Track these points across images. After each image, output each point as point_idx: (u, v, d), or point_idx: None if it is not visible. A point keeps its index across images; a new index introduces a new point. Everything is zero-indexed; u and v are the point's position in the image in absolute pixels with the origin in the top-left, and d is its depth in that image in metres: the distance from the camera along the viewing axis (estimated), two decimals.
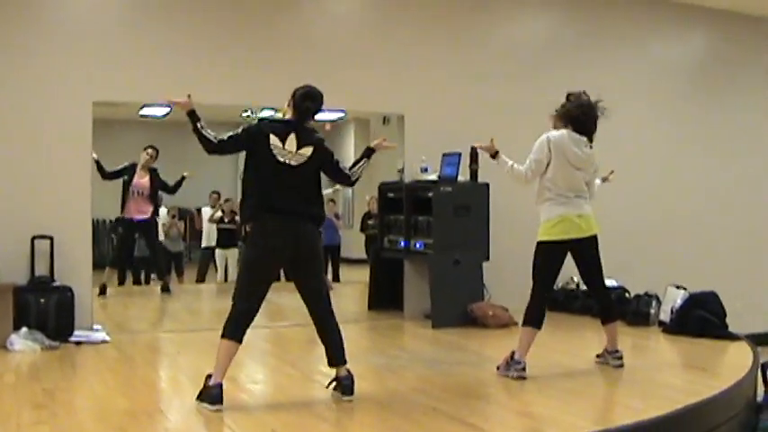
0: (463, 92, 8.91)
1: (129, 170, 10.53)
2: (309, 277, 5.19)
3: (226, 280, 13.12)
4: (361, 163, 5.41)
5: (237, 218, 13.42)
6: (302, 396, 5.41)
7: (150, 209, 10.68)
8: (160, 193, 12.00)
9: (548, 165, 5.83)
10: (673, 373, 6.13)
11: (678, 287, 7.65)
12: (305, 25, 8.63)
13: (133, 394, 5.41)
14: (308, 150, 5.09)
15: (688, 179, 10.25)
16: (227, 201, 13.80)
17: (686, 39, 10.57)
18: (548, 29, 9.78)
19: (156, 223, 11.18)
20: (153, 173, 10.68)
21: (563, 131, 5.87)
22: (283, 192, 5.01)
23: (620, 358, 6.08)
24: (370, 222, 13.18)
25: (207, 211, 13.88)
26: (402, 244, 8.66)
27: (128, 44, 7.77)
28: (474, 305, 8.05)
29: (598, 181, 6.36)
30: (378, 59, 8.70)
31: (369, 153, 5.48)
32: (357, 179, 5.41)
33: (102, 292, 10.53)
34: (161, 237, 13.60)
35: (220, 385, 4.86)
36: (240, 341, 4.96)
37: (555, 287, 8.68)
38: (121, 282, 12.22)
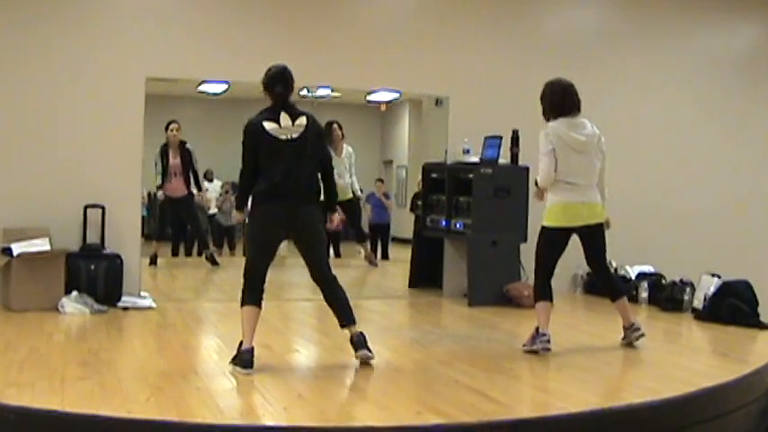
0: (507, 77, 9.02)
1: (163, 153, 10.82)
2: (314, 247, 5.43)
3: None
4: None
5: None
6: (331, 364, 5.63)
7: (184, 186, 10.95)
8: (212, 168, 12.35)
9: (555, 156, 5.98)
10: (695, 358, 6.21)
11: (713, 275, 7.69)
12: (359, 6, 8.85)
13: (171, 357, 5.71)
14: (302, 120, 5.31)
15: (730, 169, 10.20)
16: None
17: (734, 28, 10.47)
18: (594, 17, 9.80)
19: (192, 197, 11.35)
20: (183, 149, 10.89)
21: (555, 123, 6.02)
22: (288, 168, 5.23)
23: (639, 329, 6.20)
24: (418, 203, 13.35)
25: None
26: (443, 224, 8.83)
27: (181, 22, 8.06)
28: (510, 285, 8.20)
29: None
30: (426, 42, 8.85)
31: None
32: (332, 170, 5.60)
33: (153, 262, 10.93)
34: (213, 210, 14.00)
35: (251, 350, 5.15)
36: (259, 305, 5.32)
37: None
38: (175, 253, 12.58)
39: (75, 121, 7.64)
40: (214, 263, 11.20)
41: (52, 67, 7.60)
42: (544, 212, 6.12)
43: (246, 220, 5.64)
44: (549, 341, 5.92)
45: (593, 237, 6.13)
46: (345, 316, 5.41)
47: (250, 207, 5.45)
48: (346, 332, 5.42)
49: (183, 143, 10.92)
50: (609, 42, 9.64)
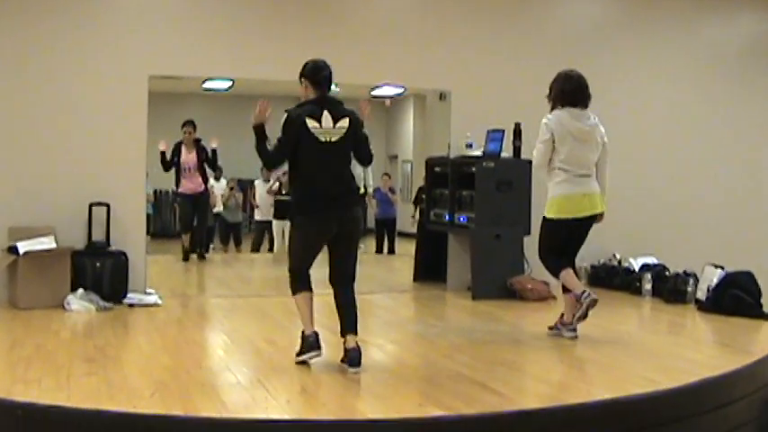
0: (510, 71, 9.03)
1: (176, 150, 11.00)
2: (348, 253, 5.33)
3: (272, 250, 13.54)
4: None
5: None
6: (335, 359, 5.59)
7: (201, 181, 11.14)
8: (219, 164, 12.38)
9: (554, 145, 6.01)
10: (697, 349, 6.23)
11: (716, 266, 7.70)
12: (362, 2, 8.87)
13: (176, 352, 5.76)
14: (344, 122, 5.18)
15: (734, 160, 10.19)
16: (285, 173, 14.04)
17: (736, 19, 10.44)
18: (597, 9, 9.79)
19: (208, 195, 11.60)
20: (198, 145, 11.08)
21: (559, 111, 6.08)
22: (327, 174, 5.14)
23: (575, 330, 6.22)
24: (423, 197, 13.38)
25: (259, 184, 13.97)
26: (447, 217, 8.86)
27: (184, 19, 8.10)
28: (514, 278, 8.23)
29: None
30: (428, 37, 8.86)
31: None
32: (373, 156, 5.48)
33: (186, 257, 11.26)
34: (219, 208, 14.04)
35: (315, 334, 5.18)
36: (311, 290, 5.28)
37: (596, 263, 8.97)
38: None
39: (79, 119, 7.68)
40: (202, 257, 11.48)
41: (55, 65, 7.64)
42: (546, 204, 6.17)
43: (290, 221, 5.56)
44: (575, 330, 6.15)
45: (585, 226, 6.22)
46: (350, 323, 5.29)
47: (296, 208, 5.32)
48: (344, 339, 5.28)
49: (197, 140, 11.09)
50: (611, 35, 9.63)
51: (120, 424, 4.16)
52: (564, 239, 6.19)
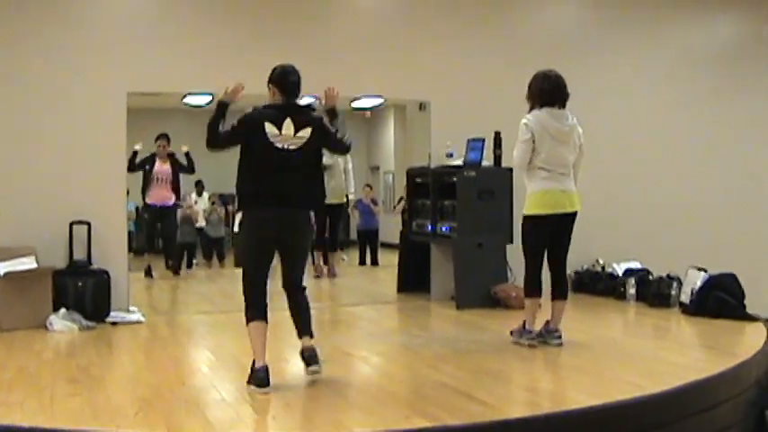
0: (488, 79, 9.04)
1: (150, 160, 10.92)
2: (296, 258, 5.28)
3: None
4: (336, 127, 5.31)
5: None
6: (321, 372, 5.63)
7: (173, 195, 11.07)
8: (203, 180, 12.35)
9: (534, 145, 6.07)
10: (682, 352, 6.24)
11: (699, 269, 7.73)
12: (339, 14, 8.88)
13: (160, 370, 5.72)
14: (306, 132, 5.11)
15: (715, 163, 10.24)
16: None
17: (715, 20, 10.51)
18: (573, 18, 9.84)
19: (175, 209, 11.48)
20: (172, 158, 11.04)
21: (538, 111, 6.14)
22: (280, 180, 5.06)
23: (560, 337, 6.24)
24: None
25: None
26: (429, 228, 8.86)
27: (161, 36, 8.06)
28: (498, 287, 8.23)
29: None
30: (406, 48, 8.88)
31: (330, 112, 5.37)
32: (350, 143, 5.38)
33: (148, 273, 10.98)
34: (202, 223, 14.00)
35: (265, 368, 4.96)
36: (265, 319, 5.08)
37: (580, 269, 8.99)
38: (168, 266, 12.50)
39: (58, 137, 7.64)
40: (176, 273, 11.41)
41: (33, 83, 7.60)
42: (525, 202, 6.21)
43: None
44: (534, 338, 6.15)
45: (566, 226, 6.25)
46: (305, 326, 5.23)
47: (239, 211, 5.26)
48: (300, 342, 5.23)
49: (171, 154, 11.03)
50: (589, 43, 9.68)
51: None
52: (545, 238, 6.20)
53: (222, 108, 5.20)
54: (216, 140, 5.15)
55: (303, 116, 5.17)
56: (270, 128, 5.08)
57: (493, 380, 5.38)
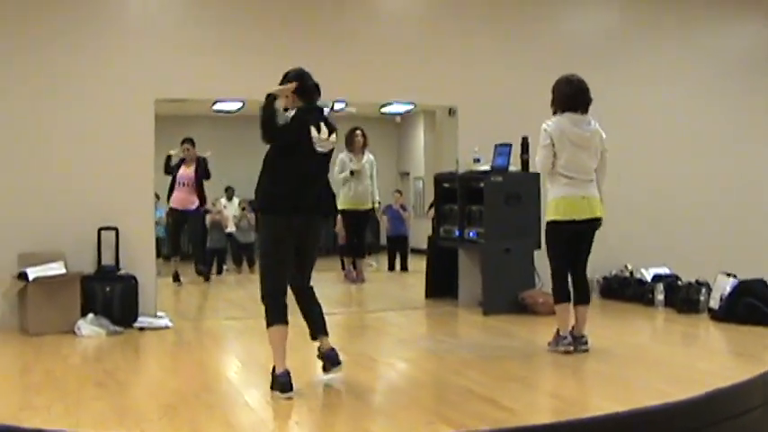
0: (516, 84, 9.01)
1: (177, 165, 10.87)
2: (308, 260, 5.30)
3: None
4: None
5: None
6: (345, 378, 5.60)
7: (194, 199, 10.96)
8: (232, 185, 12.36)
9: (554, 150, 6.06)
10: (710, 359, 6.18)
11: (728, 275, 7.65)
12: (367, 20, 8.88)
13: (185, 376, 5.75)
14: (334, 137, 5.21)
15: (746, 168, 10.13)
16: None
17: (750, 25, 10.42)
18: (602, 22, 9.78)
19: (202, 215, 11.43)
20: (198, 163, 10.89)
21: (558, 117, 6.12)
22: (308, 181, 5.11)
23: (586, 343, 6.20)
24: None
25: None
26: (456, 233, 8.83)
27: (189, 42, 8.10)
28: (525, 293, 8.18)
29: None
30: (434, 53, 8.87)
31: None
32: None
33: (176, 279, 10.97)
34: (232, 228, 14.07)
35: (287, 373, 4.94)
36: (286, 322, 5.05)
37: (608, 274, 8.93)
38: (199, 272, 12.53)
39: (86, 144, 7.70)
40: (207, 279, 11.35)
41: (61, 90, 7.67)
42: (546, 208, 6.18)
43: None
44: (570, 344, 6.09)
45: (587, 232, 6.21)
46: (321, 326, 5.28)
47: (261, 212, 5.27)
48: (316, 344, 5.30)
49: (198, 158, 10.94)
50: (619, 48, 9.62)
51: None
52: (567, 244, 6.17)
53: (270, 99, 5.06)
54: (273, 132, 5.04)
55: (329, 120, 5.22)
56: (315, 132, 5.09)
57: (518, 386, 5.35)
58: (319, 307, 5.34)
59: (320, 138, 5.10)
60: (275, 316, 5.06)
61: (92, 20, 7.84)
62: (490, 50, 9.09)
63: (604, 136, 6.24)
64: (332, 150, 5.24)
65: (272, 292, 5.10)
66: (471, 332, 7.68)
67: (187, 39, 8.12)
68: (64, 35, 7.72)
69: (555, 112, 6.19)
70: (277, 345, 5.02)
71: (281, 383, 4.93)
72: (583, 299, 6.30)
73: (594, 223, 6.18)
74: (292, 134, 5.08)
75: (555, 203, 6.15)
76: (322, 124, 5.13)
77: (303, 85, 5.19)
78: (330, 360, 5.24)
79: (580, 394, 5.15)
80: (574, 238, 6.18)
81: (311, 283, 5.36)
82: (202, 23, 8.24)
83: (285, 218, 5.08)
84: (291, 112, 5.16)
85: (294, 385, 4.93)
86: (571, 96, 6.13)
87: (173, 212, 11.07)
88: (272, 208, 5.13)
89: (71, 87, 7.70)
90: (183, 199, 10.92)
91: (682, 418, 4.66)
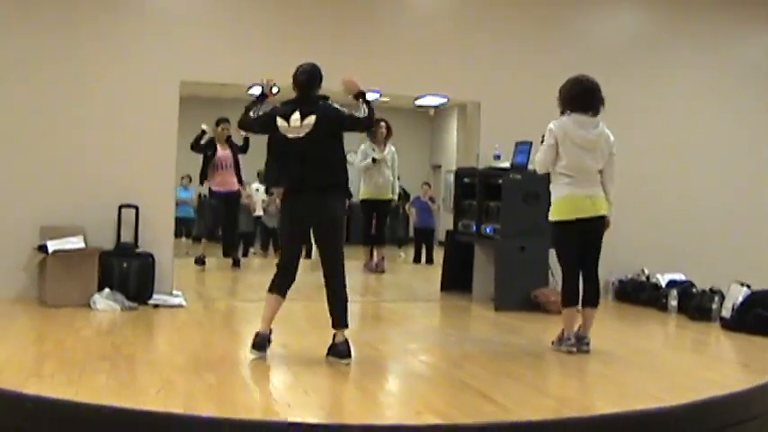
0: (539, 83, 8.93)
1: (211, 145, 10.79)
2: (326, 245, 5.64)
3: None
4: (362, 105, 5.62)
5: None
6: (346, 365, 5.71)
7: (236, 180, 11.00)
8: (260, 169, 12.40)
9: (557, 150, 6.07)
10: (714, 368, 6.16)
11: (742, 284, 7.62)
12: (398, 13, 8.97)
13: (190, 353, 5.86)
14: (310, 120, 5.49)
15: (764, 177, 10.07)
16: None
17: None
18: (629, 24, 9.75)
19: (240, 195, 11.44)
20: (230, 142, 10.88)
21: (565, 118, 6.10)
22: (299, 166, 5.49)
23: (588, 344, 6.21)
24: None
25: None
26: (474, 228, 8.88)
27: (218, 25, 8.24)
28: (538, 291, 8.21)
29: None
30: (461, 49, 8.93)
31: (359, 96, 5.67)
32: (370, 117, 5.61)
33: (198, 262, 10.98)
34: (260, 212, 14.20)
35: (262, 334, 5.48)
36: (281, 295, 5.60)
37: (624, 278, 8.92)
38: (227, 254, 12.33)
39: (111, 122, 7.87)
40: (236, 264, 11.29)
41: (86, 69, 7.84)
42: (551, 208, 6.19)
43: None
44: (573, 345, 6.14)
45: (594, 230, 6.19)
46: (340, 319, 5.56)
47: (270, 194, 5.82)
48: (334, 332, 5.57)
49: (229, 137, 10.90)
50: (644, 49, 9.58)
51: (121, 420, 4.26)
52: (574, 245, 6.18)
53: (261, 97, 5.82)
54: (246, 122, 5.81)
55: (309, 106, 5.56)
56: (281, 122, 5.57)
57: (514, 382, 5.39)
58: (342, 301, 5.55)
59: (288, 126, 5.51)
60: (271, 286, 5.65)
61: (122, 5, 7.98)
62: (517, 50, 9.13)
63: (612, 139, 6.21)
64: (313, 132, 5.47)
65: (280, 264, 5.69)
66: (480, 327, 7.74)
67: (215, 22, 8.26)
68: (91, 15, 7.88)
69: (562, 113, 6.20)
70: (265, 308, 5.61)
71: (254, 342, 5.47)
72: (591, 301, 6.29)
73: (599, 222, 6.16)
74: (259, 126, 5.78)
75: (558, 204, 6.17)
76: (296, 112, 5.51)
77: (294, 79, 5.66)
78: (335, 351, 5.46)
79: (574, 394, 5.19)
80: (580, 238, 6.17)
81: (343, 275, 5.60)
82: (233, 8, 8.38)
83: (290, 200, 5.64)
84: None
85: (269, 351, 5.49)
86: (577, 98, 6.12)
87: (217, 195, 11.00)
88: (272, 183, 5.65)
89: (98, 68, 7.87)
90: (228, 181, 10.95)
91: (664, 424, 4.66)
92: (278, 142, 5.61)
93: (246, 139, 10.97)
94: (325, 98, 5.65)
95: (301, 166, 5.50)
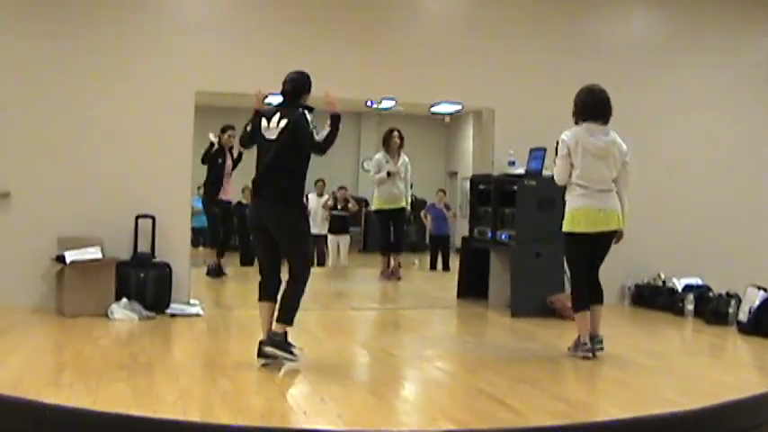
0: (553, 90, 8.97)
1: (221, 153, 10.69)
2: (283, 249, 5.74)
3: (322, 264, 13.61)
4: (327, 132, 5.69)
5: (350, 205, 13.87)
6: (362, 373, 5.76)
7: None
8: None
9: (571, 160, 6.06)
10: (730, 372, 6.16)
11: (759, 288, 7.60)
12: (413, 21, 9.00)
13: (207, 361, 5.92)
14: (282, 122, 5.64)
15: None
16: (340, 188, 14.20)
17: None
18: (641, 31, 9.73)
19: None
20: (231, 151, 10.74)
21: (576, 127, 6.12)
22: (262, 169, 5.66)
23: (601, 342, 6.24)
24: None
25: (313, 199, 13.81)
26: (489, 235, 8.89)
27: (233, 37, 8.30)
28: (554, 296, 8.21)
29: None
30: (475, 56, 8.96)
31: (334, 120, 5.74)
32: (325, 147, 5.69)
33: (212, 273, 10.80)
34: None
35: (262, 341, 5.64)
36: (269, 300, 5.72)
37: (641, 282, 8.92)
38: (245, 262, 12.42)
39: (127, 134, 7.94)
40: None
41: (103, 80, 7.91)
42: (564, 219, 6.20)
43: None
44: (589, 350, 6.14)
45: (603, 244, 6.24)
46: (277, 314, 5.68)
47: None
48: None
49: (231, 147, 10.72)
50: (655, 56, 9.55)
51: (139, 428, 4.28)
52: (583, 255, 6.21)
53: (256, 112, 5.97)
54: (241, 138, 6.13)
55: (287, 111, 5.70)
56: (264, 122, 5.76)
57: (530, 388, 5.39)
58: (286, 298, 5.67)
59: (268, 127, 5.69)
60: (258, 294, 5.81)
61: (136, 12, 8.05)
62: (531, 57, 9.13)
63: (624, 147, 6.23)
64: (281, 135, 5.59)
65: (260, 271, 5.86)
66: (496, 333, 7.75)
67: (231, 32, 8.31)
68: (107, 28, 7.96)
69: (576, 122, 6.22)
70: (260, 317, 5.77)
71: (259, 350, 5.59)
72: (597, 298, 6.33)
73: (610, 235, 6.20)
74: (248, 136, 5.90)
75: (571, 215, 6.18)
76: (276, 115, 5.69)
77: (282, 85, 5.86)
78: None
79: (589, 399, 5.19)
80: (590, 249, 6.21)
81: (300, 279, 5.68)
82: (248, 18, 8.44)
83: (253, 206, 5.85)
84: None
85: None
86: (591, 106, 6.16)
87: (221, 203, 10.88)
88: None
89: (114, 79, 7.94)
90: (234, 190, 11.03)
91: (686, 428, 4.65)
92: (260, 143, 5.75)
93: (240, 154, 10.80)
94: (309, 109, 5.74)
95: (264, 170, 5.65)
